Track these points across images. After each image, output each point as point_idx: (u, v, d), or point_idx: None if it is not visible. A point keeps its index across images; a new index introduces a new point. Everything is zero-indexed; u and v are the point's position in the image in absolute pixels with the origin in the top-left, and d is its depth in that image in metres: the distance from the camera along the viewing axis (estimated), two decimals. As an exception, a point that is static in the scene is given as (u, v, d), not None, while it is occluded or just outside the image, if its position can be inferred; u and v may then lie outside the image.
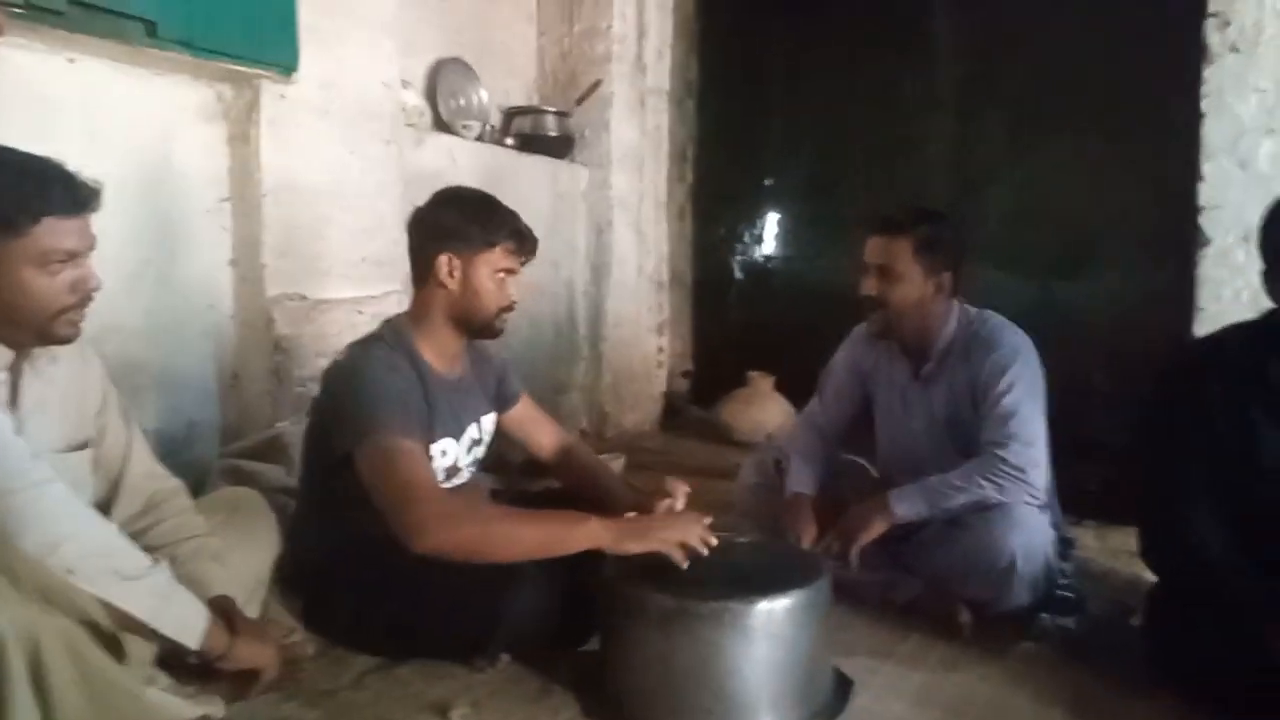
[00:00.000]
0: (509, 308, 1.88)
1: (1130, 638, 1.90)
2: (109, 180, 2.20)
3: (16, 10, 1.86)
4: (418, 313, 1.88)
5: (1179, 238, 3.16)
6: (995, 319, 2.14)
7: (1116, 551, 2.50)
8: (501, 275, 1.84)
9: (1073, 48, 3.41)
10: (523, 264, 1.90)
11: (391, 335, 1.86)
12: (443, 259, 1.81)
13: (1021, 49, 3.53)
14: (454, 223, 1.82)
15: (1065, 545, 2.09)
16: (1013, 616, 1.95)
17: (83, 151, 2.12)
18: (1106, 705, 1.69)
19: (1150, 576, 1.83)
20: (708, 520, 1.72)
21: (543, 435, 2.13)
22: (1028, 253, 3.55)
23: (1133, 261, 3.38)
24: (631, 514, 1.78)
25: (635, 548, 1.64)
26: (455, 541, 1.59)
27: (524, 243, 1.87)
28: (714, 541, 1.67)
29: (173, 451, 2.43)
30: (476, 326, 1.88)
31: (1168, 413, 1.72)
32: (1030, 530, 1.90)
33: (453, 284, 1.82)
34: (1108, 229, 3.43)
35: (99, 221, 2.17)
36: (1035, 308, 3.39)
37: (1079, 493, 2.55)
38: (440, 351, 1.89)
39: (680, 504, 1.87)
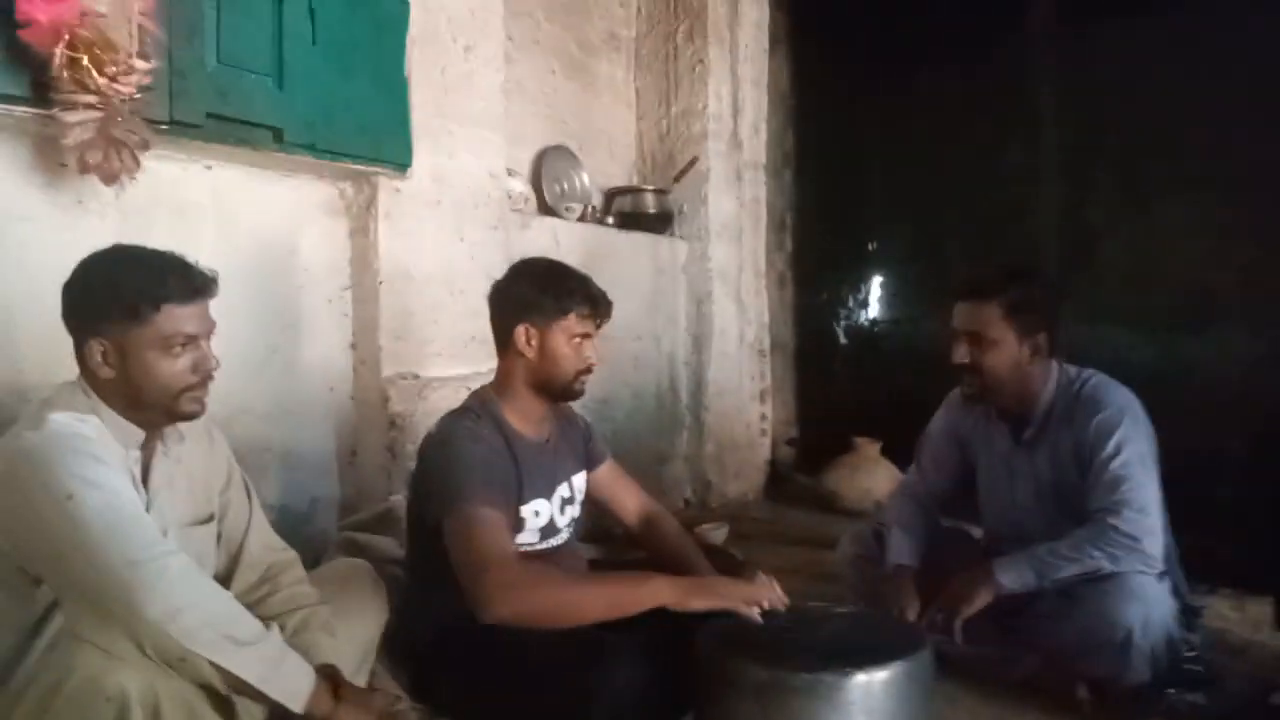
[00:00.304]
0: (587, 370, 1.93)
1: (1271, 717, 1.76)
2: (241, 274, 2.47)
3: (161, 126, 2.08)
4: (502, 382, 1.96)
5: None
6: (1098, 377, 2.06)
7: (1258, 623, 2.32)
8: (578, 340, 1.90)
9: (1181, 106, 3.32)
10: (598, 326, 1.94)
11: (478, 405, 1.93)
12: (520, 330, 1.88)
13: (1127, 111, 3.46)
14: (528, 294, 1.89)
15: (1191, 615, 1.97)
16: (1136, 693, 1.83)
17: (218, 249, 2.37)
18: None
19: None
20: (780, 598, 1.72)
21: (628, 499, 2.15)
22: (1148, 311, 3.41)
23: (1263, 319, 3.20)
24: None
25: (701, 605, 1.64)
26: (522, 609, 1.61)
27: (597, 307, 1.92)
28: (785, 600, 1.66)
29: (295, 526, 2.58)
30: (556, 391, 1.93)
31: None
32: (1148, 600, 1.80)
33: (531, 353, 1.89)
34: (1234, 285, 3.26)
35: (232, 313, 2.39)
36: (1158, 367, 3.25)
37: (1213, 561, 2.41)
38: (526, 417, 1.95)
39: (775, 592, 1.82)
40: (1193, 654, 1.94)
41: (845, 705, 1.50)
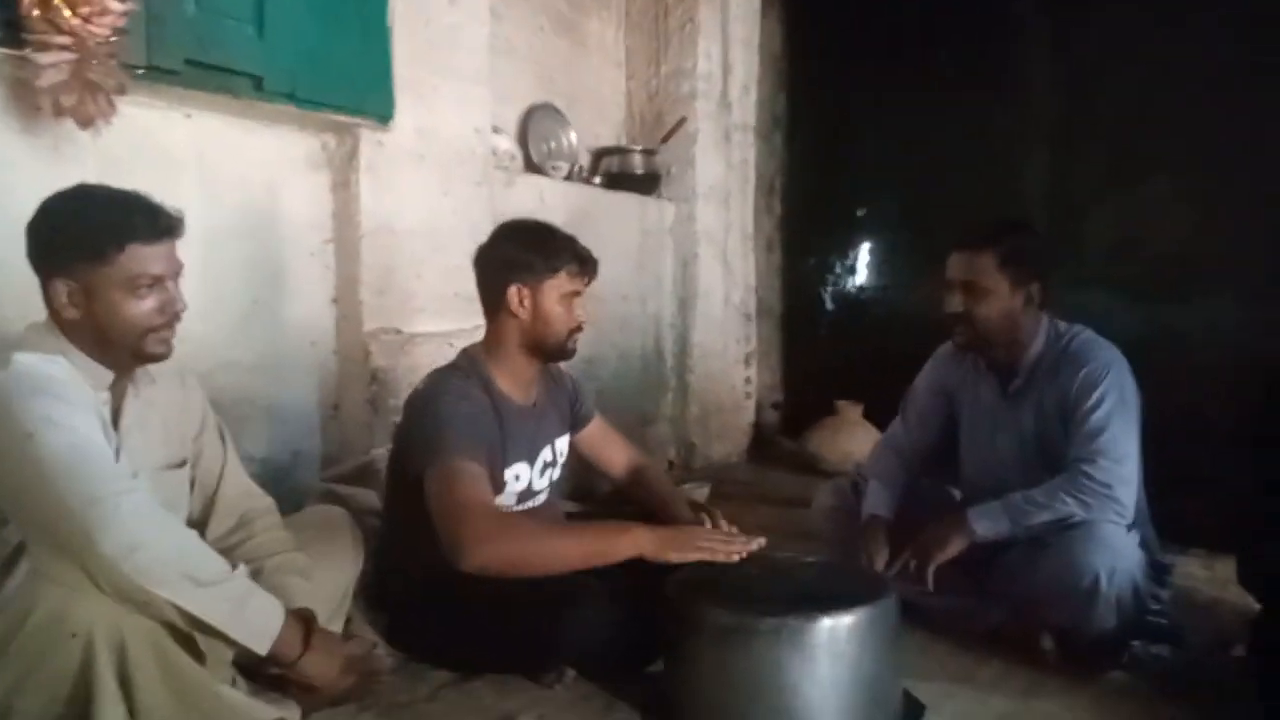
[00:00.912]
0: (578, 328, 1.95)
1: (1232, 669, 1.79)
2: (222, 225, 2.46)
3: (138, 71, 2.06)
4: (491, 343, 1.97)
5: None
6: (1086, 333, 2.07)
7: (1225, 582, 2.36)
8: (568, 298, 1.91)
9: (1170, 78, 3.32)
10: (586, 284, 1.96)
11: (467, 364, 1.95)
12: (512, 290, 1.89)
13: (1116, 82, 3.47)
14: (518, 255, 1.90)
15: (1161, 570, 1.99)
16: (1101, 643, 1.86)
17: (199, 200, 2.36)
18: (1202, 739, 1.60)
19: (1256, 606, 1.73)
20: (757, 543, 1.74)
21: (615, 454, 2.18)
22: (1132, 280, 3.43)
23: (1247, 289, 3.22)
24: None
25: (677, 556, 1.67)
26: (498, 558, 1.64)
27: (585, 264, 1.94)
28: (758, 544, 1.71)
29: (277, 478, 2.59)
30: (550, 350, 1.95)
31: (1269, 436, 1.64)
32: (1116, 550, 1.82)
33: (524, 313, 1.90)
34: (1219, 256, 3.28)
35: (214, 265, 2.38)
36: (1141, 335, 3.25)
37: (1186, 522, 2.44)
38: (514, 380, 1.97)
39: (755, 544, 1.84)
40: (1159, 608, 1.97)
41: (809, 649, 1.52)
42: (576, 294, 1.93)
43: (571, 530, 1.76)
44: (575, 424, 2.14)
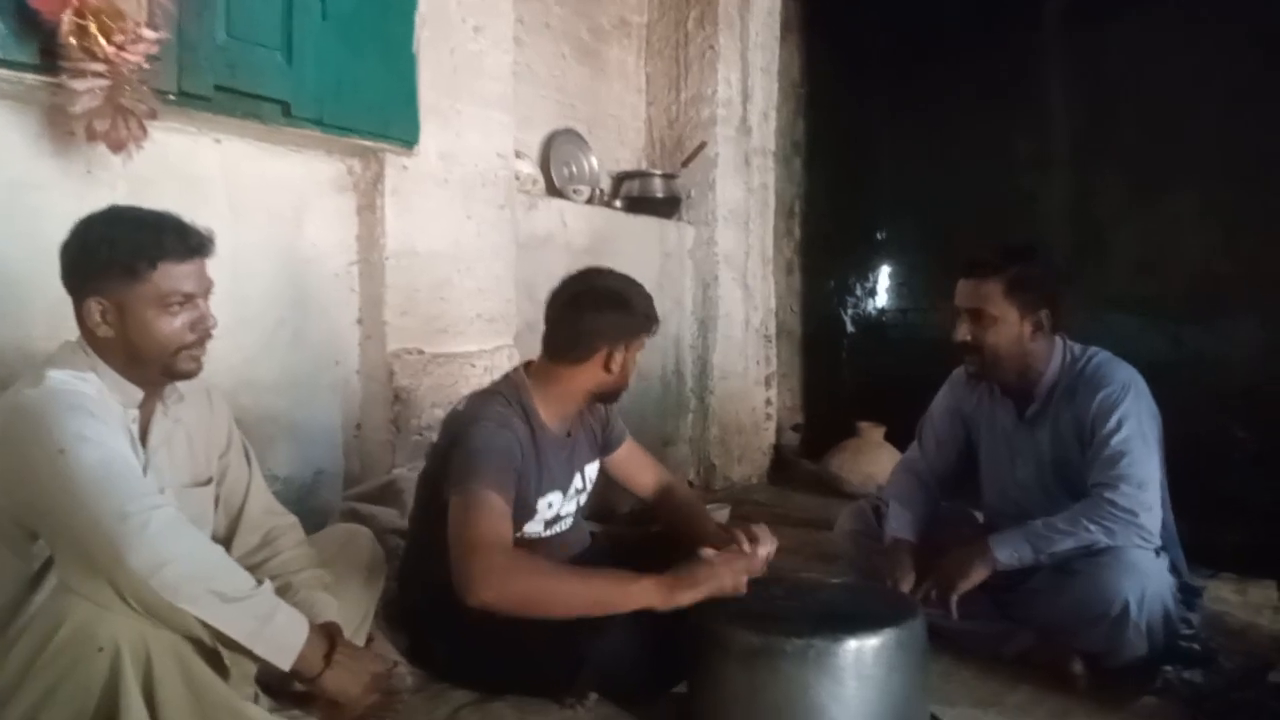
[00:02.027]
0: (624, 386, 1.99)
1: (1269, 695, 1.75)
2: (250, 247, 2.49)
3: (169, 97, 2.10)
4: (546, 378, 1.94)
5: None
6: (1102, 354, 2.05)
7: (1259, 607, 2.31)
8: (634, 357, 1.95)
9: (1192, 98, 3.32)
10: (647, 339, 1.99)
11: (510, 391, 1.93)
12: (606, 351, 1.89)
13: (1137, 100, 3.47)
14: (625, 321, 1.90)
15: (1190, 594, 1.96)
16: (1132, 669, 1.83)
17: (227, 222, 2.39)
18: (1237, 766, 1.56)
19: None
20: (766, 550, 1.75)
21: (644, 476, 2.18)
22: (1155, 300, 3.41)
23: (1272, 309, 3.19)
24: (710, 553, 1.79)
25: (688, 599, 1.64)
26: (503, 596, 1.61)
27: (650, 322, 1.95)
28: (772, 546, 1.74)
29: (300, 497, 2.61)
30: (609, 398, 1.99)
31: None
32: (1145, 574, 1.80)
33: (614, 371, 1.92)
34: (1241, 275, 3.26)
35: (241, 286, 2.42)
36: (1165, 356, 3.25)
37: (1217, 546, 2.41)
38: (557, 414, 1.96)
39: (764, 550, 1.84)
40: (1190, 633, 1.94)
41: (836, 671, 1.50)
42: (641, 347, 1.96)
43: (580, 576, 1.73)
44: (607, 447, 2.13)
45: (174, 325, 1.48)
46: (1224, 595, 2.38)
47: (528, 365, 2.00)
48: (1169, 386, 2.05)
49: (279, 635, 1.39)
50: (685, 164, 4.12)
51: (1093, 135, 3.60)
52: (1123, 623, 1.78)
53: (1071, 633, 1.87)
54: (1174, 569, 1.93)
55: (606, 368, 1.90)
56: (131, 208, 1.52)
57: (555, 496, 1.95)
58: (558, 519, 2.00)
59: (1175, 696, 1.80)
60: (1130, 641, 1.79)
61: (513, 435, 1.84)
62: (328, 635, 1.50)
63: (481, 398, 1.94)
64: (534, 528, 1.94)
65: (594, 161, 3.91)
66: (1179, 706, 1.77)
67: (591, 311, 1.89)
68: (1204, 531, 2.16)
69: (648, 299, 1.95)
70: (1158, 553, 1.88)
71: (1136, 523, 1.83)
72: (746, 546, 1.81)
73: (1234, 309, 3.27)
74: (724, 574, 1.67)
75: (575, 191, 3.69)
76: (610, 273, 1.98)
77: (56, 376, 1.41)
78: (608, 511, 3.05)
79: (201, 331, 1.52)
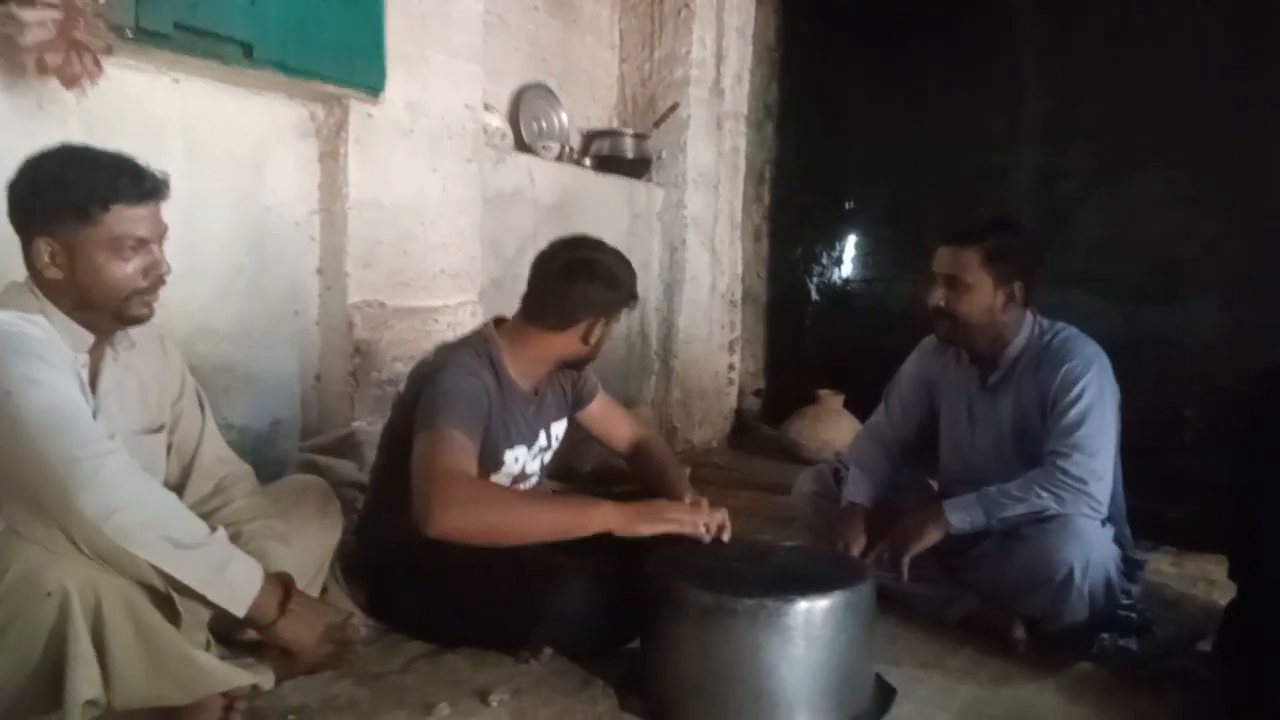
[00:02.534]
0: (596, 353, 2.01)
1: (1198, 663, 1.82)
2: (208, 191, 2.43)
3: (126, 33, 2.03)
4: (519, 337, 1.94)
5: (1272, 267, 3.06)
6: (1069, 330, 2.09)
7: (1194, 579, 2.39)
8: (605, 333, 1.96)
9: (1161, 78, 3.35)
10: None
11: (480, 345, 1.94)
12: (585, 325, 1.91)
13: (1108, 80, 3.49)
14: (609, 295, 1.92)
15: (1132, 565, 2.02)
16: (1071, 634, 1.89)
17: (184, 165, 2.34)
18: (1166, 729, 1.62)
19: (1224, 603, 1.76)
20: (723, 516, 1.77)
21: (619, 429, 2.21)
22: (1115, 280, 3.46)
23: (1228, 291, 3.26)
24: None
25: (647, 529, 1.68)
26: (464, 523, 1.61)
27: (634, 301, 2.00)
28: (728, 528, 1.73)
29: (257, 447, 2.58)
30: (575, 367, 2.01)
31: (1260, 432, 1.65)
32: (1090, 543, 1.84)
33: (591, 342, 1.94)
34: (1201, 258, 3.32)
35: (198, 231, 2.36)
36: (1123, 335, 3.28)
37: (1160, 520, 2.47)
38: (525, 372, 1.97)
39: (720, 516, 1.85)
40: (1130, 602, 2.00)
41: (786, 631, 1.53)
42: (616, 321, 1.98)
43: (541, 502, 1.76)
44: (578, 403, 2.15)
45: (126, 270, 1.44)
46: (1162, 567, 2.46)
47: (499, 322, 2.00)
48: (1123, 364, 2.09)
49: (233, 582, 1.39)
50: (657, 124, 4.08)
51: (1061, 114, 3.63)
52: (1066, 588, 1.83)
53: (1016, 597, 1.92)
54: (1119, 541, 1.98)
55: (585, 339, 1.92)
56: (85, 147, 1.47)
57: (521, 450, 1.96)
58: (524, 476, 2.01)
59: (1111, 662, 1.86)
60: (1073, 606, 1.84)
61: (480, 384, 1.84)
62: (282, 584, 1.51)
63: (450, 348, 1.95)
64: (499, 480, 1.94)
65: (564, 118, 3.86)
66: (1114, 672, 1.83)
67: (583, 283, 1.88)
68: (1149, 505, 2.21)
69: (634, 276, 1.98)
70: (1104, 523, 1.93)
71: (1086, 490, 1.88)
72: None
73: (1191, 291, 3.33)
74: (685, 516, 1.70)
75: (544, 148, 3.65)
76: (602, 245, 1.99)
77: (3, 318, 1.37)
78: (569, 470, 3.06)
79: (154, 277, 1.49)
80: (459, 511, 1.61)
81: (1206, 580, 2.38)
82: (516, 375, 1.94)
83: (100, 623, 1.28)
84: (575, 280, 1.89)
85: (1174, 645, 1.93)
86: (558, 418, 2.10)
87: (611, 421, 2.20)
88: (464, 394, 1.79)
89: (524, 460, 1.98)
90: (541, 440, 2.04)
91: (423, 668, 1.78)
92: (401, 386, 2.13)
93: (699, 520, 1.71)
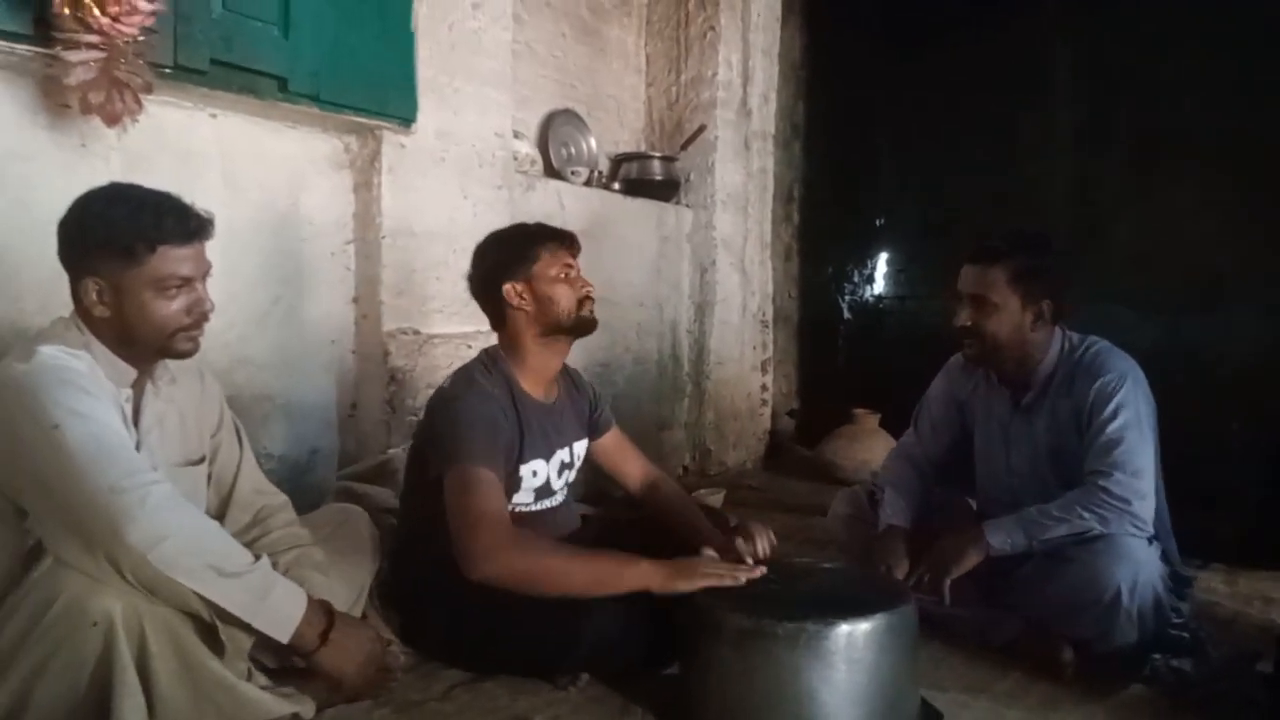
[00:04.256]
0: (588, 297, 1.97)
1: (1255, 685, 1.76)
2: (245, 224, 2.48)
3: (165, 70, 2.08)
4: (508, 345, 2.00)
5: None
6: (1100, 344, 2.05)
7: (1248, 597, 2.32)
8: (563, 273, 1.94)
9: (1199, 86, 3.30)
10: (574, 254, 1.99)
11: (489, 361, 1.98)
12: (507, 288, 1.93)
13: (1144, 89, 3.45)
14: (499, 258, 1.97)
15: (1181, 583, 1.97)
16: (1121, 656, 1.84)
17: (221, 198, 2.38)
18: (1223, 754, 1.57)
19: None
20: (763, 544, 1.79)
21: (631, 466, 2.19)
22: (1154, 292, 3.40)
23: (1271, 301, 3.19)
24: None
25: (685, 587, 1.66)
26: (507, 573, 1.66)
27: (561, 237, 1.98)
28: (770, 546, 1.75)
29: (295, 476, 2.61)
30: (568, 325, 1.96)
31: None
32: (1138, 562, 1.80)
33: (527, 304, 1.93)
34: (1243, 267, 3.25)
35: (235, 263, 2.40)
36: (1163, 347, 3.24)
37: (1208, 537, 2.41)
38: (538, 376, 1.99)
39: (760, 546, 1.87)
40: (1180, 621, 1.94)
41: (827, 655, 1.50)
42: (569, 266, 1.96)
43: (579, 556, 1.75)
44: (594, 431, 2.15)
45: (171, 308, 1.48)
46: (1214, 585, 2.39)
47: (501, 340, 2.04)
48: (1165, 377, 2.05)
49: (277, 608, 1.40)
50: (684, 147, 4.10)
51: (1094, 124, 3.59)
52: (1114, 609, 1.78)
53: (1062, 619, 1.88)
54: (1165, 558, 1.93)
55: (520, 304, 1.93)
56: (131, 186, 1.50)
57: (539, 464, 1.96)
58: (548, 490, 2.00)
59: (1163, 685, 1.80)
60: (1121, 628, 1.80)
61: (496, 405, 1.87)
62: (325, 611, 1.51)
63: (463, 372, 1.98)
64: (523, 498, 1.95)
65: (593, 143, 3.89)
66: (1166, 695, 1.78)
67: (478, 269, 2.00)
68: (1196, 522, 2.16)
69: (529, 229, 2.02)
70: (1150, 541, 1.88)
71: (1130, 511, 1.84)
72: (759, 546, 1.86)
73: (1232, 301, 3.26)
74: (724, 572, 1.68)
75: (573, 173, 3.67)
76: (492, 232, 2.07)
77: (48, 352, 1.40)
78: (600, 495, 3.05)
79: (198, 314, 1.52)
80: (500, 561, 1.65)
81: (1263, 598, 2.31)
82: (529, 385, 1.97)
83: (145, 652, 1.29)
84: (474, 272, 2.01)
85: (1230, 666, 1.87)
86: (579, 437, 2.10)
87: (625, 457, 2.20)
88: (482, 422, 1.81)
89: (545, 474, 1.98)
90: (563, 455, 2.04)
91: (461, 695, 1.77)
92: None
93: (739, 576, 1.68)
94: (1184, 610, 1.97)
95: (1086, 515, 1.85)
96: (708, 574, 1.68)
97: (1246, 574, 2.44)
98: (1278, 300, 3.17)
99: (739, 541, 1.87)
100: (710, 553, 1.79)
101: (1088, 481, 1.89)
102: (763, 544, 1.88)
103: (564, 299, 1.93)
